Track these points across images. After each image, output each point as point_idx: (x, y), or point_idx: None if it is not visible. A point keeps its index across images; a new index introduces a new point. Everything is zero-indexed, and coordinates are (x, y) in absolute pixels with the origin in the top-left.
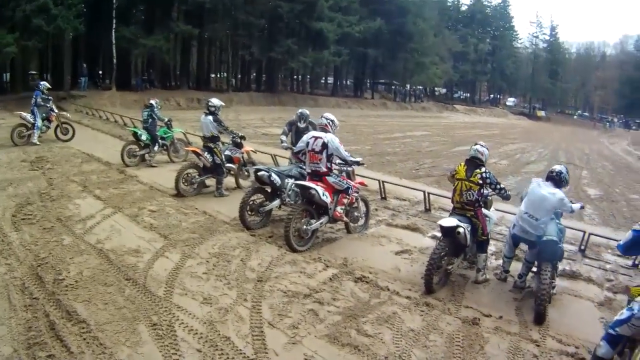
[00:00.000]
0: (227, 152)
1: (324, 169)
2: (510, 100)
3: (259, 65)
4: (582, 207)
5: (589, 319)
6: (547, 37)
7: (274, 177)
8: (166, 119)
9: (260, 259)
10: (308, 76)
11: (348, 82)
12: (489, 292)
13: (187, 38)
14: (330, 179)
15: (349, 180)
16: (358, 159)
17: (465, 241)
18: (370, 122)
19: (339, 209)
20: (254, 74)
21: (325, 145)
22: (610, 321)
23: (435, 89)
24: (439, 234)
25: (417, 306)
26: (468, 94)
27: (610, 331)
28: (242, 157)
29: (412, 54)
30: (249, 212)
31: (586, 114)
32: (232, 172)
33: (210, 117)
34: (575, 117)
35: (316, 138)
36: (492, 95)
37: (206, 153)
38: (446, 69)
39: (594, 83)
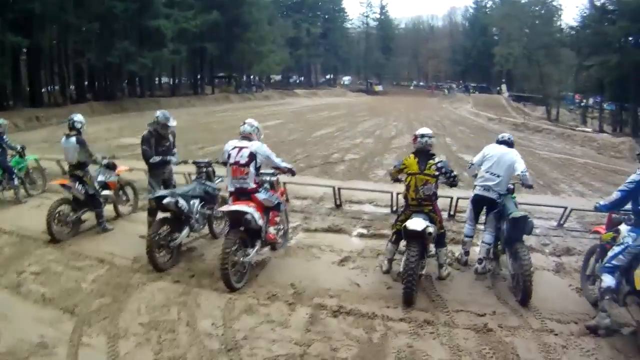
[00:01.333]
0: (101, 178)
1: (253, 185)
2: (346, 79)
3: (95, 72)
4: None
5: (561, 289)
6: (378, 16)
7: (182, 203)
8: (18, 147)
9: (210, 316)
10: (137, 79)
11: (183, 79)
12: (460, 286)
13: (17, 50)
14: (260, 196)
15: (277, 194)
16: (290, 165)
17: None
18: (219, 117)
19: (271, 229)
20: (88, 83)
21: (252, 156)
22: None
23: (271, 76)
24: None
25: (421, 328)
26: (303, 78)
27: (607, 265)
28: (118, 180)
29: (249, 44)
30: (158, 250)
31: (422, 83)
32: (109, 200)
33: (73, 139)
34: (411, 87)
35: (240, 148)
36: (328, 76)
37: (77, 184)
38: (283, 55)
39: (426, 54)
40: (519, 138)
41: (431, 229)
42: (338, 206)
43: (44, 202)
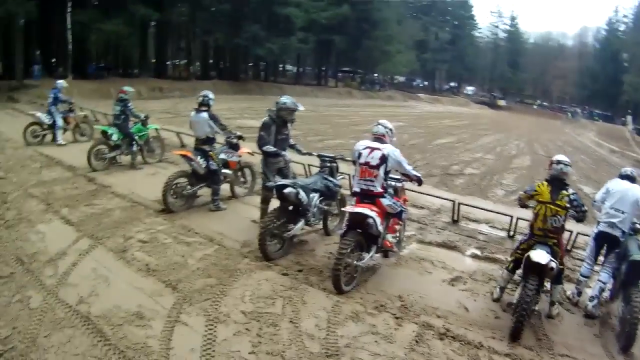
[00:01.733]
0: (222, 156)
1: (379, 189)
2: (470, 89)
3: (221, 52)
4: None
5: None
6: (507, 27)
7: (302, 194)
8: (142, 115)
9: (314, 316)
10: (263, 64)
11: (307, 69)
12: (568, 329)
13: (146, 23)
14: (384, 202)
15: (400, 201)
16: (419, 174)
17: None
18: (341, 112)
19: (389, 237)
20: (213, 62)
21: (384, 159)
22: None
23: (395, 77)
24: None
25: None
26: (426, 82)
27: None
28: (239, 161)
29: (377, 41)
30: (270, 239)
31: (545, 103)
32: (227, 179)
33: (205, 115)
34: (535, 106)
35: (372, 149)
36: (451, 84)
37: (199, 158)
38: (410, 57)
39: (553, 73)
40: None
41: (554, 264)
42: (455, 221)
43: (159, 172)
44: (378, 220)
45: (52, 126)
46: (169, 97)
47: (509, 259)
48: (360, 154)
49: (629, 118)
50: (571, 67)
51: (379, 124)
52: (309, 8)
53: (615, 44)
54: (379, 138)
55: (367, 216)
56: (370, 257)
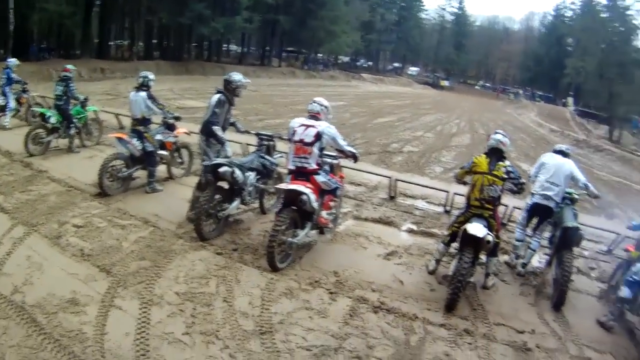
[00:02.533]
0: (159, 137)
1: (314, 166)
2: (413, 70)
3: (164, 32)
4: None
5: (588, 310)
6: (455, 10)
7: (238, 173)
8: (82, 97)
9: (248, 294)
10: (207, 43)
11: (251, 49)
12: (503, 299)
13: (90, 2)
14: (319, 178)
15: (336, 178)
16: (355, 150)
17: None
18: (283, 91)
19: (324, 214)
20: (157, 42)
21: (318, 136)
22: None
23: (339, 57)
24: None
25: (461, 337)
26: (370, 62)
27: (629, 278)
28: (176, 142)
29: (323, 21)
30: (206, 219)
31: (488, 84)
32: (164, 161)
33: (144, 94)
34: (477, 87)
35: (307, 127)
36: (395, 64)
37: (134, 139)
38: (355, 38)
39: (498, 55)
40: (578, 155)
41: (490, 237)
42: (392, 198)
43: (96, 155)
44: (312, 196)
45: (3, 108)
46: (110, 78)
47: (446, 232)
48: (294, 132)
49: (570, 100)
50: (516, 50)
51: (314, 101)
52: None
53: (561, 29)
54: (314, 116)
55: (301, 193)
56: (305, 234)
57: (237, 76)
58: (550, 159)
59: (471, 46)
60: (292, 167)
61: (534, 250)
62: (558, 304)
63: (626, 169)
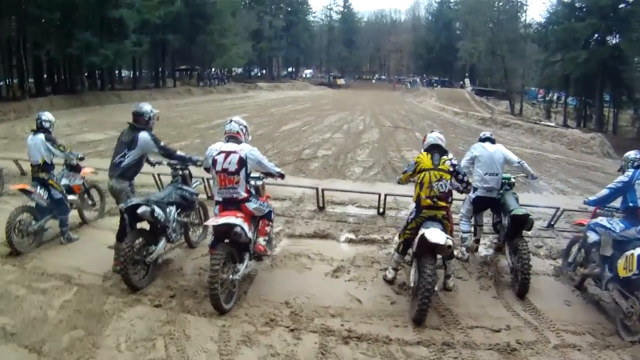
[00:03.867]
0: (65, 181)
1: (244, 194)
2: (308, 72)
3: (54, 65)
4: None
5: (565, 295)
6: (341, 9)
7: (158, 211)
8: None
9: (203, 351)
10: (97, 72)
11: (144, 72)
12: (466, 298)
13: None
14: (250, 206)
15: (268, 202)
16: (281, 170)
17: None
18: (182, 111)
19: (261, 240)
20: (48, 76)
21: (242, 163)
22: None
23: (233, 69)
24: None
25: (444, 353)
26: (264, 71)
27: (592, 225)
28: (84, 183)
29: (213, 36)
30: (133, 267)
31: (383, 77)
32: (74, 206)
33: (41, 136)
34: (373, 81)
35: (227, 154)
36: (289, 69)
37: (39, 188)
38: (246, 48)
39: (388, 47)
40: None
41: (450, 242)
42: (321, 208)
43: (1, 208)
44: (246, 227)
45: None
46: (4, 120)
47: (398, 239)
48: (215, 161)
49: (467, 81)
50: (406, 40)
51: (232, 121)
52: (141, 8)
53: (448, 14)
54: (234, 137)
55: (233, 226)
56: (246, 267)
57: (146, 107)
58: (482, 151)
59: (361, 42)
60: (219, 199)
61: (468, 232)
62: (522, 292)
63: (536, 139)
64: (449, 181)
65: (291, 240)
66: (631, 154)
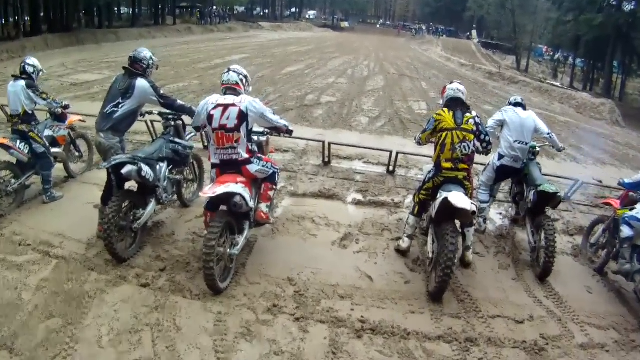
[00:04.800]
0: (48, 132)
1: (245, 155)
2: (311, 13)
3: (51, 2)
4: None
5: (586, 280)
6: None
7: (146, 170)
8: None
9: (196, 347)
10: (95, 8)
11: (143, 9)
12: (485, 279)
13: None
14: (252, 168)
15: (272, 161)
16: (288, 123)
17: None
18: (182, 50)
19: (263, 207)
20: (44, 14)
21: (243, 117)
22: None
23: (235, 7)
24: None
25: (468, 352)
26: (267, 10)
27: (627, 218)
28: (69, 133)
29: None
30: (119, 235)
31: (388, 22)
32: (59, 160)
33: (22, 82)
34: (378, 26)
35: (225, 107)
36: (292, 10)
37: (19, 142)
38: None
39: None
40: (495, 88)
41: (475, 207)
42: (326, 163)
43: None
44: (247, 195)
45: None
46: None
47: (414, 200)
48: (211, 117)
49: (474, 32)
50: None
51: (229, 70)
52: None
53: None
54: (232, 88)
55: (232, 195)
56: (245, 238)
57: (146, 52)
58: (514, 116)
59: None
60: (217, 162)
61: (487, 202)
62: (544, 275)
63: (545, 99)
64: (472, 142)
65: (294, 200)
66: None
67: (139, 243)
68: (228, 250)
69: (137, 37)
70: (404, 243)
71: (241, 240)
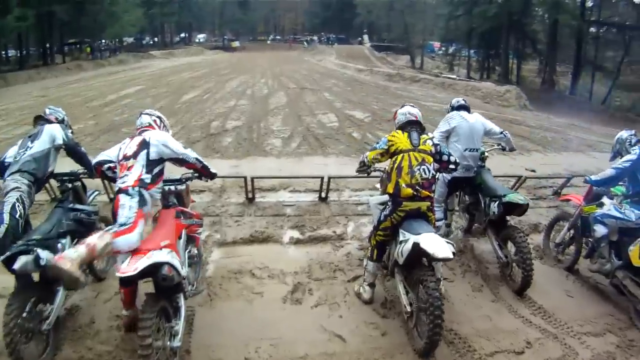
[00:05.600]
0: None
1: (130, 182)
2: (201, 37)
3: None
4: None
5: (559, 282)
6: None
7: (45, 256)
8: None
9: None
10: None
11: (31, 50)
12: (461, 305)
13: None
14: (122, 198)
15: (192, 212)
16: (199, 157)
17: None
18: (74, 90)
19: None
20: None
21: (144, 145)
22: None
23: (124, 39)
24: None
25: None
26: (156, 38)
27: (599, 217)
28: None
29: (103, 4)
30: (26, 341)
31: (278, 37)
32: None
33: None
34: (268, 42)
35: (132, 138)
36: (182, 35)
37: None
38: (137, 15)
39: (283, 7)
40: (397, 89)
41: (454, 249)
42: (250, 200)
43: None
44: (177, 261)
45: None
46: None
47: (370, 243)
48: (120, 150)
49: (365, 37)
50: None
51: (141, 114)
52: None
53: None
54: (145, 130)
55: (159, 265)
56: (184, 320)
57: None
58: (461, 122)
59: (255, 3)
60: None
61: (442, 219)
62: (522, 290)
63: (449, 94)
64: (432, 165)
65: (225, 251)
66: (623, 134)
67: (53, 346)
68: (168, 342)
69: (26, 80)
70: (366, 293)
71: (180, 325)
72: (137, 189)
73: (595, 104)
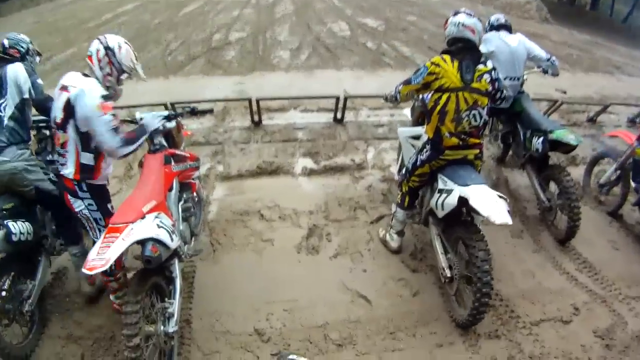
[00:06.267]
0: None
1: (70, 172)
2: None
3: None
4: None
5: (604, 229)
6: None
7: (17, 229)
8: None
9: None
10: None
11: None
12: (502, 255)
13: None
14: (75, 204)
15: (182, 153)
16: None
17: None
18: (69, 12)
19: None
20: None
21: (70, 110)
22: None
23: None
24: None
25: None
26: None
27: None
28: None
29: None
30: (5, 323)
31: None
32: None
33: None
34: None
35: (61, 91)
36: None
37: None
38: None
39: None
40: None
41: (509, 206)
42: (257, 124)
43: None
44: (164, 233)
45: None
46: None
47: (400, 190)
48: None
49: None
50: None
51: (97, 39)
52: None
53: None
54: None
55: (148, 240)
56: (181, 295)
57: (22, 36)
58: (501, 45)
59: None
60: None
61: None
62: (567, 239)
63: (467, 2)
64: (484, 109)
65: (229, 186)
66: None
67: (39, 326)
68: (162, 327)
69: (19, 7)
70: (394, 242)
71: (176, 305)
72: (84, 184)
73: (616, 22)
